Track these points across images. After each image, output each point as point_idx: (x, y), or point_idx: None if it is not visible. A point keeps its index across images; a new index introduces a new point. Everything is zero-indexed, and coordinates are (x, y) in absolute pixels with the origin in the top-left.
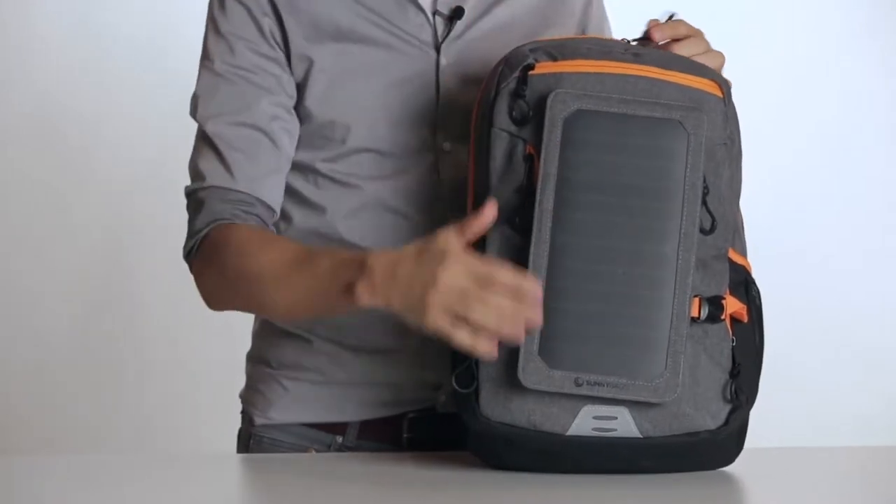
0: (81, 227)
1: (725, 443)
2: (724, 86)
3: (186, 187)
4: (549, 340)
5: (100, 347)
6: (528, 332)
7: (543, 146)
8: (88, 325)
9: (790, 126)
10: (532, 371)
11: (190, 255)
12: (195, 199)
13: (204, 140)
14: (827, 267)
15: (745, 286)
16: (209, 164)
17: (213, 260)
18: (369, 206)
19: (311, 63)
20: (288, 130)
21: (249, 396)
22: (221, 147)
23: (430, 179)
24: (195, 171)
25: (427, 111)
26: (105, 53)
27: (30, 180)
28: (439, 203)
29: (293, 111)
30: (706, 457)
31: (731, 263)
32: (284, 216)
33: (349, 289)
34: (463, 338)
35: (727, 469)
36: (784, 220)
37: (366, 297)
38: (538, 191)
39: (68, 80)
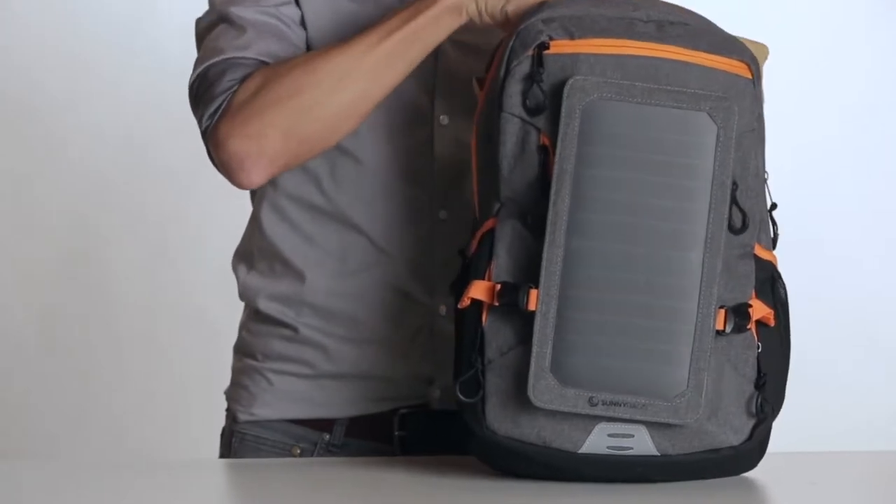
0: (48, 215)
1: (748, 454)
2: (753, 64)
3: (195, 73)
4: (563, 355)
5: (69, 347)
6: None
7: (559, 139)
8: (55, 323)
9: (814, 109)
10: (543, 389)
11: (215, 115)
12: (212, 73)
13: (220, 21)
14: (853, 257)
15: (770, 283)
16: (228, 40)
17: (254, 93)
18: (363, 176)
19: (303, 18)
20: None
21: (233, 392)
22: (244, 25)
23: (424, 154)
24: (208, 50)
25: (423, 76)
26: (80, 29)
27: None
28: (434, 180)
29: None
30: (726, 468)
31: (757, 260)
32: (271, 180)
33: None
34: None
35: (746, 474)
36: (805, 206)
37: None
38: (552, 190)
39: (42, 57)
